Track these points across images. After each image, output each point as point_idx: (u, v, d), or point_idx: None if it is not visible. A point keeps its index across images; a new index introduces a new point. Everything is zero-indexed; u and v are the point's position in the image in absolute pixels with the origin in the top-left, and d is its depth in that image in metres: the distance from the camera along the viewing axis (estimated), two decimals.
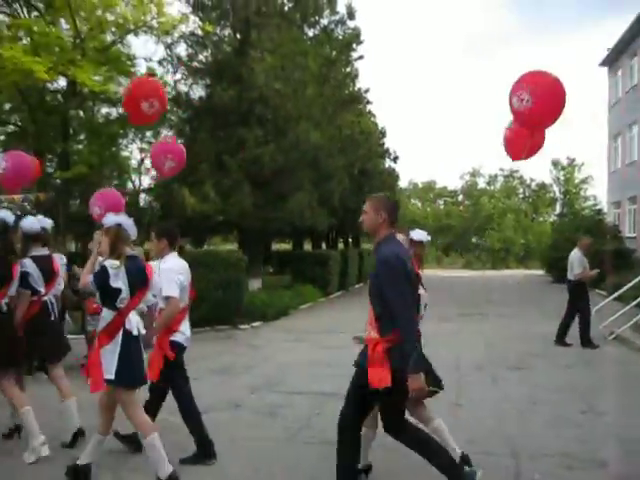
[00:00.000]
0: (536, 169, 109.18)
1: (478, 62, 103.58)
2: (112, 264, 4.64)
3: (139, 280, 4.80)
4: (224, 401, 7.58)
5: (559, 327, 11.83)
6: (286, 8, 22.71)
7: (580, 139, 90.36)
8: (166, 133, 26.21)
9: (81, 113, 25.17)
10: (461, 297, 23.35)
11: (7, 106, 24.30)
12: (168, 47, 21.41)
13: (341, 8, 33.88)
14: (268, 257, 27.38)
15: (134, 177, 33.82)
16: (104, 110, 27.23)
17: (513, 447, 5.79)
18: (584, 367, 9.89)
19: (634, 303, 13.09)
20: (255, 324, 14.86)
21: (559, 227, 37.25)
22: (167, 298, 5.18)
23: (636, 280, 13.85)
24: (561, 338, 11.71)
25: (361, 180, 26.86)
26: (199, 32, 21.65)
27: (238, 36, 21.05)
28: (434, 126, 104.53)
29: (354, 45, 26.13)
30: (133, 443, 5.47)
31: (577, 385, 8.50)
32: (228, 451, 5.60)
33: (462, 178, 69.79)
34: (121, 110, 25.81)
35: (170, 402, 5.53)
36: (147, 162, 31.15)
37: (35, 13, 21.79)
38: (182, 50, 22.54)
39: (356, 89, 27.95)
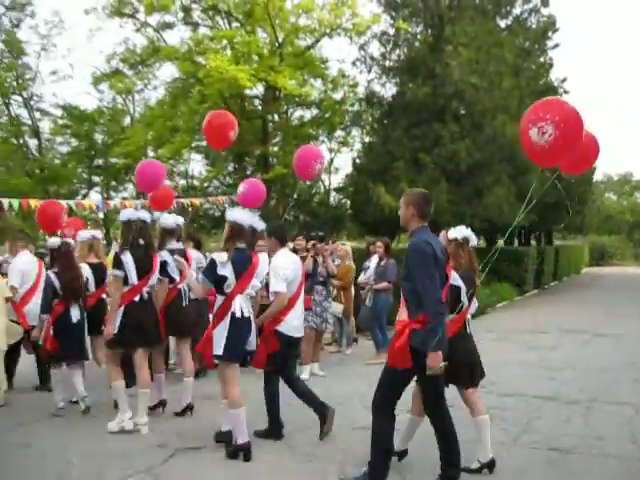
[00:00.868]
0: None
1: None
2: (220, 257, 5.27)
3: (244, 269, 5.31)
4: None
5: None
6: (477, 0, 22.20)
7: None
8: (358, 133, 26.75)
9: (276, 117, 26.28)
10: None
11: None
12: (361, 47, 21.70)
13: None
14: None
15: (324, 176, 34.94)
16: (297, 113, 28.29)
17: None
18: None
19: None
20: None
21: None
22: (275, 293, 5.64)
23: None
24: None
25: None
26: (390, 31, 21.77)
27: (430, 32, 20.87)
28: (632, 115, 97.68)
29: (549, 33, 25.07)
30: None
31: None
32: None
33: None
34: (315, 112, 26.74)
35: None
36: (336, 162, 32.04)
37: (235, 24, 23.04)
38: (374, 50, 22.83)
39: (551, 79, 26.74)
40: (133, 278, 6.04)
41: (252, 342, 5.43)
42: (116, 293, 6.05)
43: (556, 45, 25.75)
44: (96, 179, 33.77)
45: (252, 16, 20.34)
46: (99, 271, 7.34)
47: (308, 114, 27.61)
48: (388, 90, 22.40)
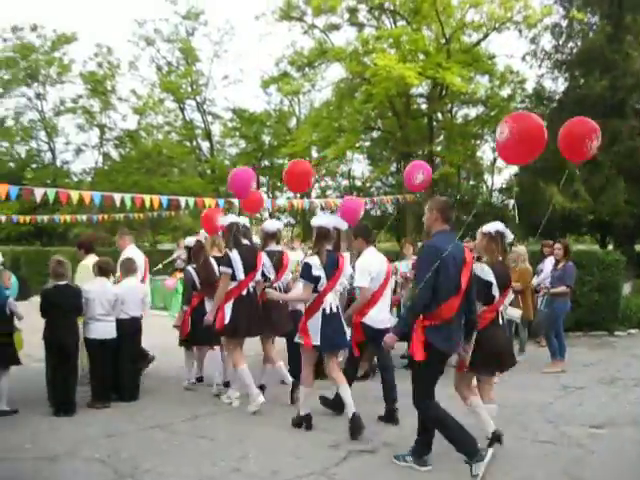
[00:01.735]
0: None
1: None
2: (313, 260, 5.87)
3: (333, 269, 5.93)
4: (622, 415, 6.90)
5: None
6: None
7: None
8: None
9: (440, 115, 25.92)
10: None
11: (372, 113, 25.84)
12: (532, 41, 20.84)
13: None
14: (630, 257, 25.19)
15: (486, 176, 33.97)
16: (462, 111, 27.76)
17: None
18: None
19: None
20: (632, 331, 13.63)
21: None
22: (360, 288, 6.27)
23: None
24: None
25: None
26: (563, 23, 20.76)
27: (608, 21, 19.63)
28: None
29: None
30: (336, 407, 6.38)
31: None
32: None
33: None
34: (480, 110, 26.09)
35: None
36: (500, 162, 30.97)
37: (400, 22, 22.96)
38: (545, 43, 21.87)
39: None
40: (240, 274, 6.68)
41: (347, 334, 6.05)
42: (224, 288, 6.66)
43: None
44: (262, 179, 35.02)
45: (419, 13, 20.14)
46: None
47: (473, 112, 27.05)
48: (560, 85, 21.40)
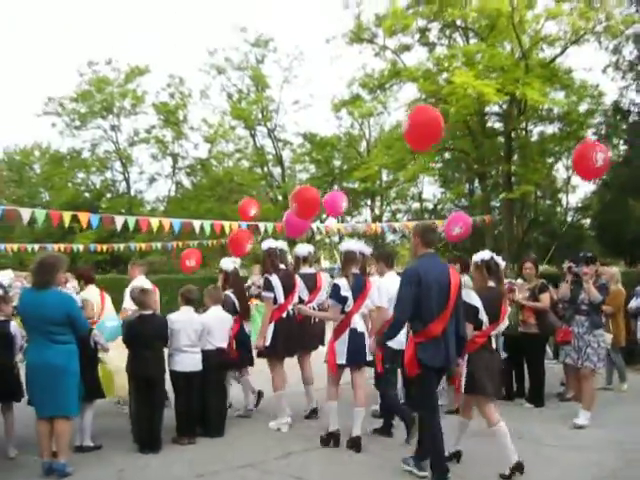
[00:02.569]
0: None
1: None
2: (341, 282, 6.28)
3: (360, 291, 6.31)
4: None
5: None
6: None
7: None
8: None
9: (514, 133, 25.07)
10: None
11: (446, 133, 25.14)
12: (615, 51, 19.97)
13: None
14: None
15: (560, 195, 32.74)
16: (537, 129, 26.83)
17: None
18: None
19: None
20: None
21: None
22: (378, 308, 6.51)
23: None
24: None
25: None
26: None
27: None
28: None
29: None
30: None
31: None
32: None
33: None
34: (557, 126, 25.11)
35: None
36: (574, 180, 29.88)
37: (473, 40, 22.42)
38: (626, 54, 20.97)
39: None
40: (281, 297, 7.13)
41: (368, 352, 6.34)
42: (268, 312, 7.13)
43: None
44: None
45: (495, 28, 19.60)
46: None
47: (550, 129, 26.11)
48: None
